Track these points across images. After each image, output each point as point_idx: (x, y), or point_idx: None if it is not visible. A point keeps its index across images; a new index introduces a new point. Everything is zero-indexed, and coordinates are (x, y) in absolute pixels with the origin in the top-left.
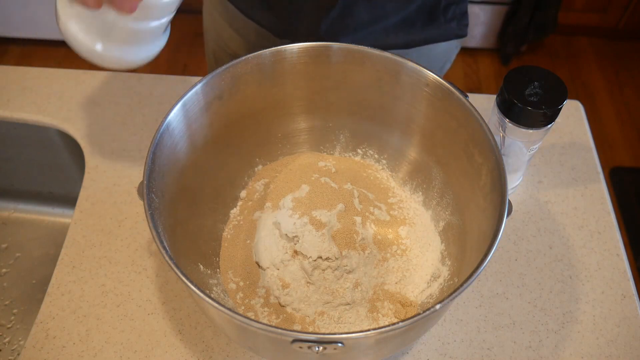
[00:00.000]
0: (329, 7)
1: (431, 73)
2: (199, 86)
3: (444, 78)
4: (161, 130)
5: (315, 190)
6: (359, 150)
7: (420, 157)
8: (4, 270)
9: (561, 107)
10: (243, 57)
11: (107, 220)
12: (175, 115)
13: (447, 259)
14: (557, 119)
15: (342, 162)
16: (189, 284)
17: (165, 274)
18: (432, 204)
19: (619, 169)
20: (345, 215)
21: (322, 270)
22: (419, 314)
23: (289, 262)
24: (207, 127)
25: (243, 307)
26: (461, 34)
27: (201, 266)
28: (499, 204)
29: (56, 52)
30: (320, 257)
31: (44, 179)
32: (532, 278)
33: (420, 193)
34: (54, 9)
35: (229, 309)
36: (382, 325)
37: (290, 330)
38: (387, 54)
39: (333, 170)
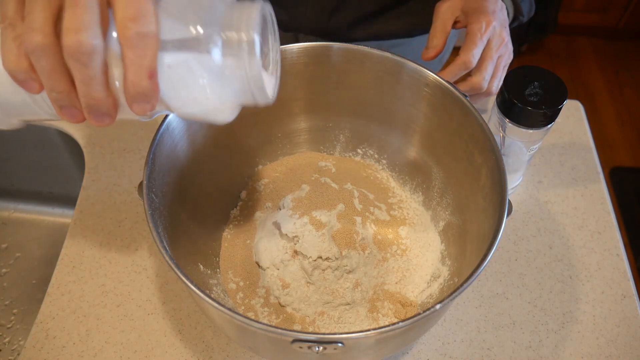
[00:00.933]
0: None
1: (431, 73)
2: None
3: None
4: (161, 130)
5: (315, 190)
6: (359, 150)
7: (420, 157)
8: (4, 270)
9: (561, 107)
10: None
11: (107, 220)
12: (175, 115)
13: (447, 259)
14: (557, 119)
15: (342, 162)
16: (189, 284)
17: (165, 274)
18: (432, 204)
19: (619, 169)
20: (345, 215)
21: (322, 270)
22: (419, 314)
23: (289, 262)
24: (207, 127)
25: (243, 307)
26: None
27: (201, 266)
28: (499, 204)
29: None
30: (320, 257)
31: (44, 179)
32: (532, 278)
33: (420, 193)
34: None
35: (229, 309)
36: (382, 325)
37: (290, 330)
38: (387, 54)
39: (333, 170)
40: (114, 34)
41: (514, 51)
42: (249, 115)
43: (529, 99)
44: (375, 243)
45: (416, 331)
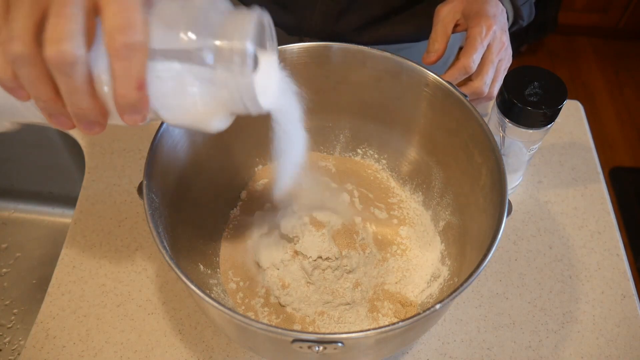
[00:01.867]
0: (342, 3)
1: (431, 73)
2: None
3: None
4: (161, 130)
5: (315, 190)
6: (359, 150)
7: (420, 157)
8: (4, 270)
9: (561, 107)
10: None
11: (107, 220)
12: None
13: (447, 259)
14: (557, 119)
15: (342, 162)
16: (189, 284)
17: (165, 274)
18: (432, 204)
19: (619, 169)
20: (345, 215)
21: (322, 270)
22: (419, 314)
23: (289, 262)
24: None
25: (243, 307)
26: None
27: (201, 266)
28: (499, 204)
29: None
30: (320, 257)
31: (44, 179)
32: (532, 278)
33: (420, 193)
34: None
35: (229, 309)
36: (382, 325)
37: (290, 330)
38: (387, 54)
39: (333, 170)
40: (101, 42)
41: (514, 51)
42: (249, 115)
43: (529, 99)
44: (375, 243)
45: (416, 331)
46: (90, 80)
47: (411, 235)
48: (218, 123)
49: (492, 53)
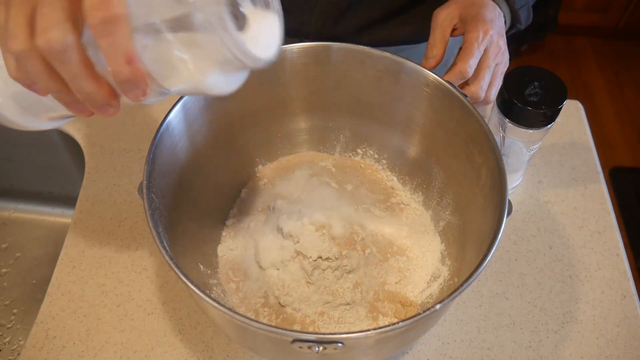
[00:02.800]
0: (342, 5)
1: (431, 73)
2: None
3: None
4: (161, 130)
5: (315, 190)
6: (359, 150)
7: (420, 157)
8: (4, 270)
9: (561, 107)
10: None
11: (107, 220)
12: (175, 115)
13: (447, 259)
14: (557, 119)
15: (342, 162)
16: (189, 284)
17: (165, 274)
18: (432, 204)
19: (619, 169)
20: (345, 215)
21: (322, 270)
22: (419, 314)
23: (289, 262)
24: (207, 127)
25: (243, 307)
26: None
27: (201, 266)
28: (499, 204)
29: None
30: (320, 257)
31: (44, 179)
32: (532, 278)
33: (420, 193)
34: None
35: (229, 309)
36: (382, 325)
37: (290, 330)
38: (387, 54)
39: (333, 170)
40: None
41: (514, 51)
42: (249, 115)
43: (529, 99)
44: (375, 243)
45: (416, 331)
46: (87, 64)
47: (411, 235)
48: (223, 84)
49: (489, 58)
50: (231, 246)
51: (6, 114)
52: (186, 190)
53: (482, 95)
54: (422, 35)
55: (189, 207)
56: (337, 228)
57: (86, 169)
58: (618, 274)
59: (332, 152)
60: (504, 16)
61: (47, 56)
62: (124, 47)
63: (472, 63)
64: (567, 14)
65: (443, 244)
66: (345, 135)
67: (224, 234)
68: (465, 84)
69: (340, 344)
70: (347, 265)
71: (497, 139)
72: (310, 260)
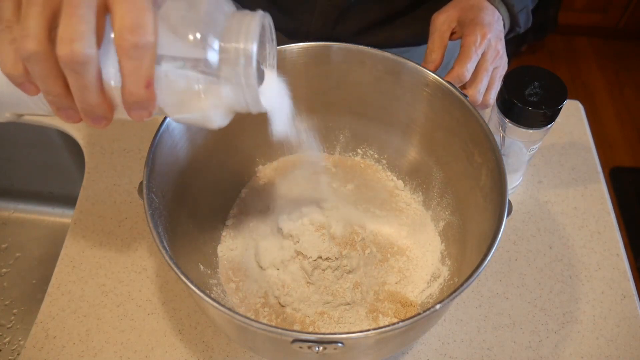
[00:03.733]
0: (342, 7)
1: (431, 73)
2: None
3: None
4: (161, 130)
5: (315, 190)
6: (359, 150)
7: (420, 157)
8: (4, 270)
9: (561, 107)
10: None
11: (107, 220)
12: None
13: (447, 259)
14: (557, 119)
15: (342, 162)
16: (189, 284)
17: (165, 274)
18: (432, 204)
19: (619, 169)
20: (345, 215)
21: (322, 270)
22: (419, 314)
23: (289, 262)
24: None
25: (243, 307)
26: None
27: (201, 266)
28: (499, 204)
29: None
30: (320, 257)
31: (44, 179)
32: (532, 278)
33: (420, 193)
34: None
35: (229, 309)
36: (382, 325)
37: (290, 330)
38: (387, 54)
39: (333, 170)
40: (111, 39)
41: (514, 51)
42: (249, 115)
43: (529, 99)
44: (375, 243)
45: (416, 331)
46: (100, 78)
47: (411, 235)
48: (220, 120)
49: (487, 61)
50: (231, 246)
51: None
52: (186, 190)
53: (480, 98)
54: (421, 37)
55: (189, 207)
56: (337, 228)
57: (86, 169)
58: (618, 274)
59: (332, 152)
60: (503, 20)
61: (65, 64)
62: (147, 73)
63: (470, 67)
64: (567, 14)
65: (443, 244)
66: (345, 135)
67: (224, 234)
68: (463, 87)
69: (340, 344)
70: (347, 265)
71: (497, 139)
72: (310, 260)
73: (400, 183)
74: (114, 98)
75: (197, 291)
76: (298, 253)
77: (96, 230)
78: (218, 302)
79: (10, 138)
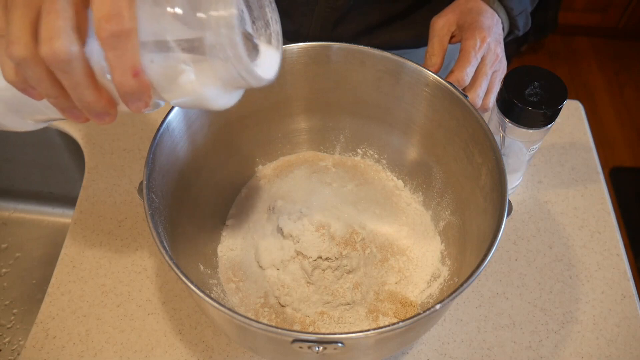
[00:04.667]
0: (341, 10)
1: (431, 73)
2: None
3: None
4: (161, 130)
5: (315, 190)
6: (359, 150)
7: (420, 157)
8: (4, 270)
9: (561, 107)
10: None
11: (107, 220)
12: (175, 115)
13: (447, 259)
14: (557, 119)
15: (342, 162)
16: (189, 284)
17: (165, 274)
18: (432, 204)
19: (619, 169)
20: (346, 215)
21: (322, 270)
22: (419, 314)
23: (289, 262)
24: (207, 127)
25: (243, 307)
26: None
27: (201, 266)
28: (499, 204)
29: None
30: (320, 257)
31: (44, 179)
32: (532, 278)
33: (420, 193)
34: None
35: (229, 309)
36: (382, 325)
37: (290, 330)
38: (387, 54)
39: (333, 170)
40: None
41: (515, 51)
42: (249, 115)
43: (529, 99)
44: (375, 243)
45: (416, 331)
46: (90, 73)
47: (411, 235)
48: (222, 100)
49: (486, 65)
50: (231, 246)
51: None
52: (186, 190)
53: (479, 102)
54: (421, 40)
55: (189, 207)
56: (337, 228)
57: (86, 169)
58: (618, 274)
59: (332, 152)
60: (502, 23)
61: (50, 65)
62: (131, 61)
63: (469, 71)
64: (567, 14)
65: (443, 244)
66: (345, 135)
67: (224, 234)
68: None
69: (340, 344)
70: (347, 265)
71: (497, 139)
72: (310, 260)
73: (400, 183)
74: (112, 92)
75: (197, 291)
76: (298, 253)
77: (96, 230)
78: (218, 302)
79: (10, 138)
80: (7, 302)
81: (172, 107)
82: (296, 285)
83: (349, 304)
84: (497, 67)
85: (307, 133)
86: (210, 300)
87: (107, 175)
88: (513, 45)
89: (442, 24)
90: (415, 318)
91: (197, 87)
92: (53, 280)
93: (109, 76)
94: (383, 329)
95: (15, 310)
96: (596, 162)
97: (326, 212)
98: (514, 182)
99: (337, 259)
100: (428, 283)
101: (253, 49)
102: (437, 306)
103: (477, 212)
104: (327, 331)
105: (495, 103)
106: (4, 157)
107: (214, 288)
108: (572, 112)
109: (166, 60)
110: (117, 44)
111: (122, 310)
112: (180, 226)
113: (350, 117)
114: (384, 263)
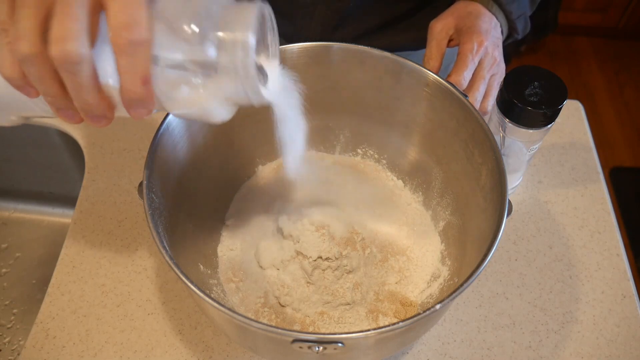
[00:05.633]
0: (341, 13)
1: (431, 73)
2: None
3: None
4: (161, 130)
5: (315, 190)
6: (359, 150)
7: (420, 157)
8: (4, 270)
9: (561, 107)
10: None
11: (107, 220)
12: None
13: (447, 259)
14: (557, 119)
15: (342, 162)
16: (189, 284)
17: (165, 274)
18: (432, 204)
19: (619, 169)
20: (345, 215)
21: (322, 270)
22: (419, 314)
23: (289, 262)
24: (207, 127)
25: (243, 307)
26: None
27: (201, 266)
28: (499, 204)
29: None
30: (321, 257)
31: (44, 179)
32: (532, 278)
33: (420, 193)
34: None
35: (229, 309)
36: (382, 325)
37: (290, 330)
38: (387, 54)
39: (333, 170)
40: (106, 38)
41: (514, 51)
42: (249, 115)
43: (529, 99)
44: (375, 243)
45: (416, 331)
46: (96, 77)
47: (411, 235)
48: (222, 114)
49: (484, 69)
50: (231, 246)
51: None
52: (186, 190)
53: (477, 106)
54: (420, 42)
55: (189, 207)
56: (337, 228)
57: (86, 169)
58: (618, 274)
59: (332, 152)
60: (501, 26)
61: (59, 65)
62: (142, 70)
63: (467, 75)
64: (567, 14)
65: (443, 244)
66: (345, 135)
67: (224, 234)
68: None
69: (340, 344)
70: (347, 265)
71: (497, 139)
72: (310, 260)
73: (400, 183)
74: (112, 96)
75: (197, 291)
76: (298, 253)
77: (96, 230)
78: (218, 302)
79: (10, 138)
80: (7, 302)
81: None
82: (296, 285)
83: (349, 304)
84: (495, 71)
85: (307, 127)
86: (210, 300)
87: (107, 175)
88: (513, 46)
89: (440, 28)
90: (415, 318)
91: (202, 101)
92: (53, 280)
93: (110, 81)
94: (383, 329)
95: (15, 310)
96: (596, 162)
97: (326, 212)
98: (514, 182)
99: (337, 259)
100: (428, 283)
101: (258, 70)
102: (437, 306)
103: (477, 212)
104: (327, 331)
105: (495, 103)
106: (4, 157)
107: (214, 288)
108: (572, 112)
109: (178, 72)
110: (132, 52)
111: (122, 310)
112: (180, 226)
113: (350, 117)
114: (384, 263)
